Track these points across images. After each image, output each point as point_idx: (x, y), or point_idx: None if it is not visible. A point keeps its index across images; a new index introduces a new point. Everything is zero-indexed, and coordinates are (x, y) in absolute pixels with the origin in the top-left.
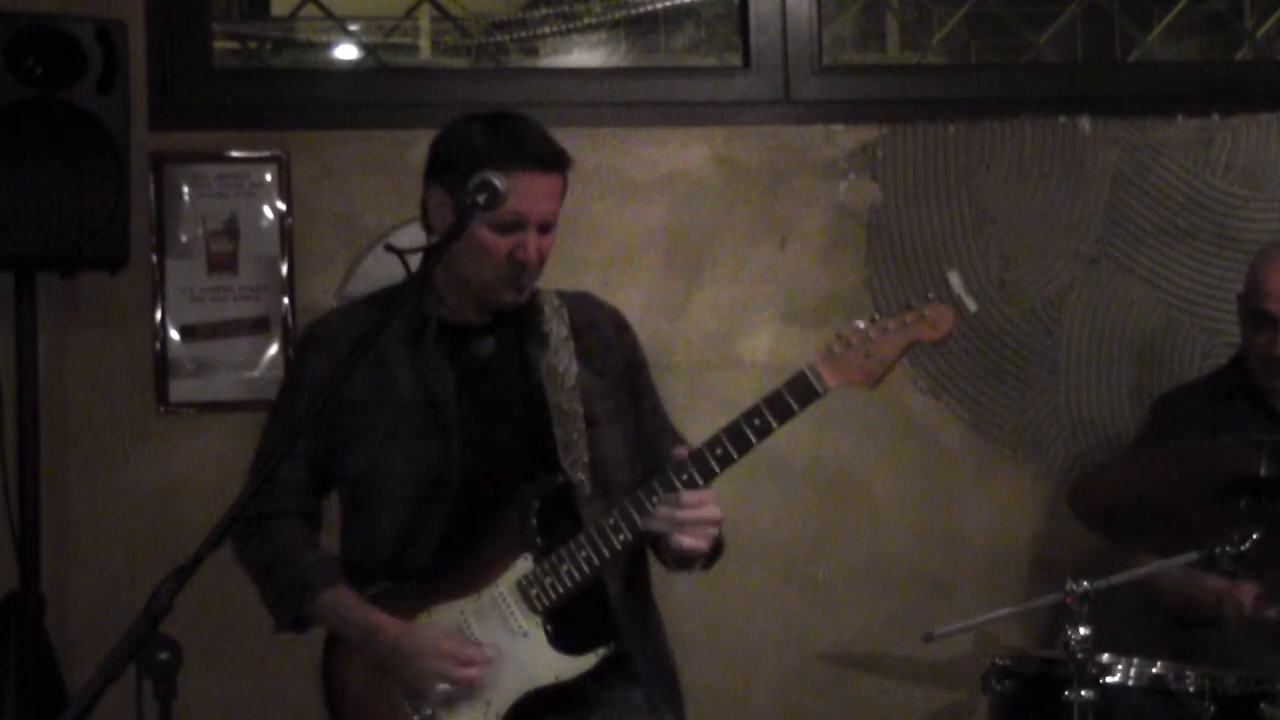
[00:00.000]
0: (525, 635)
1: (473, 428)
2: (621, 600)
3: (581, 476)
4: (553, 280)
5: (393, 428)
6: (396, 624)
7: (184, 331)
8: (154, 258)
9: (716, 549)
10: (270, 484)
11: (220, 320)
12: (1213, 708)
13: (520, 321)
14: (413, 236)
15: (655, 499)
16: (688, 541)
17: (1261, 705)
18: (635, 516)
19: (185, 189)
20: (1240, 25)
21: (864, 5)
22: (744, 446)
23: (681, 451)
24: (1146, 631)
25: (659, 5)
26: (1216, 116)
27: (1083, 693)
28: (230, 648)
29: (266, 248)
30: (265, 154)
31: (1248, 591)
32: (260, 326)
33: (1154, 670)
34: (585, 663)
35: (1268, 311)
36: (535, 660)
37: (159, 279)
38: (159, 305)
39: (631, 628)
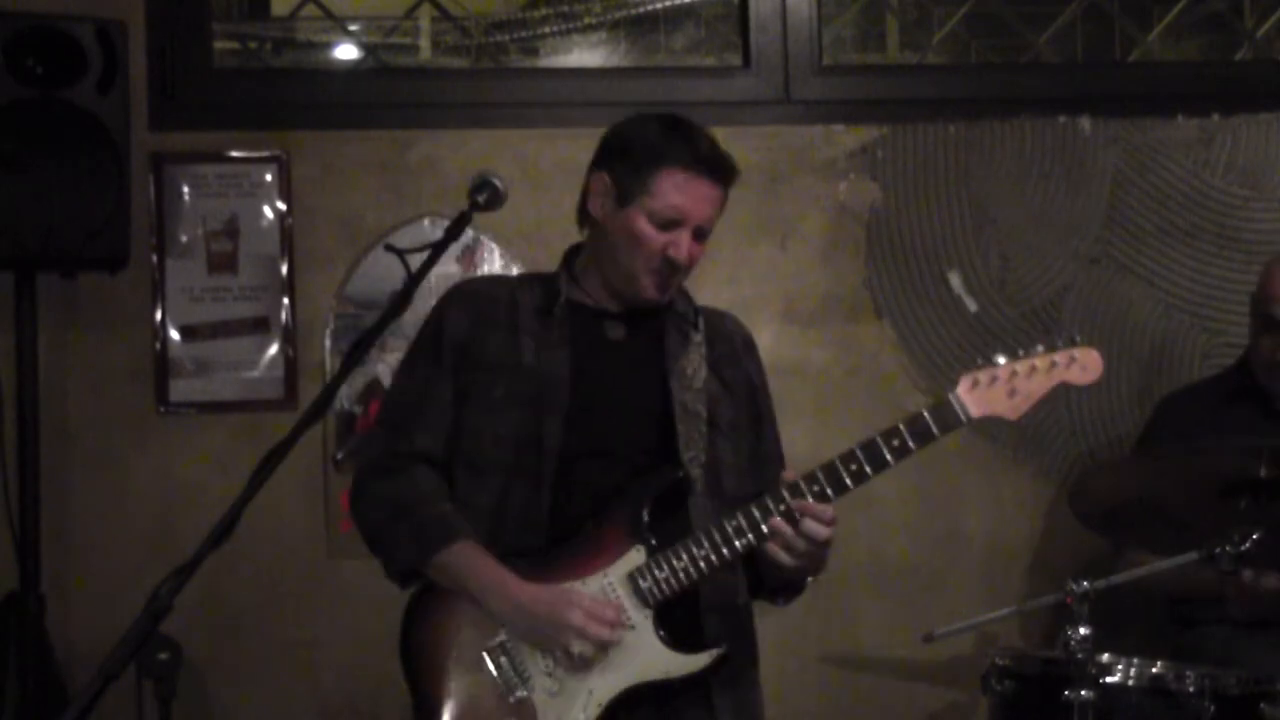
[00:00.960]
0: (634, 628)
1: (584, 406)
2: (717, 600)
3: (698, 472)
4: None
5: (506, 392)
6: (531, 584)
7: (184, 331)
8: (154, 258)
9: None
10: (414, 427)
11: (220, 320)
12: (1213, 708)
13: (657, 315)
14: (413, 236)
15: (782, 506)
16: (792, 562)
17: (1261, 705)
18: (760, 520)
19: (185, 189)
20: (1240, 25)
21: (864, 5)
22: (879, 466)
23: (790, 474)
24: (1146, 631)
25: (659, 5)
26: (1216, 116)
27: (1083, 693)
28: (230, 648)
29: (266, 248)
30: (265, 154)
31: (1247, 574)
32: (260, 326)
33: (1154, 670)
34: (697, 662)
35: (1274, 317)
36: (643, 654)
37: (159, 279)
38: (159, 305)
39: (726, 629)
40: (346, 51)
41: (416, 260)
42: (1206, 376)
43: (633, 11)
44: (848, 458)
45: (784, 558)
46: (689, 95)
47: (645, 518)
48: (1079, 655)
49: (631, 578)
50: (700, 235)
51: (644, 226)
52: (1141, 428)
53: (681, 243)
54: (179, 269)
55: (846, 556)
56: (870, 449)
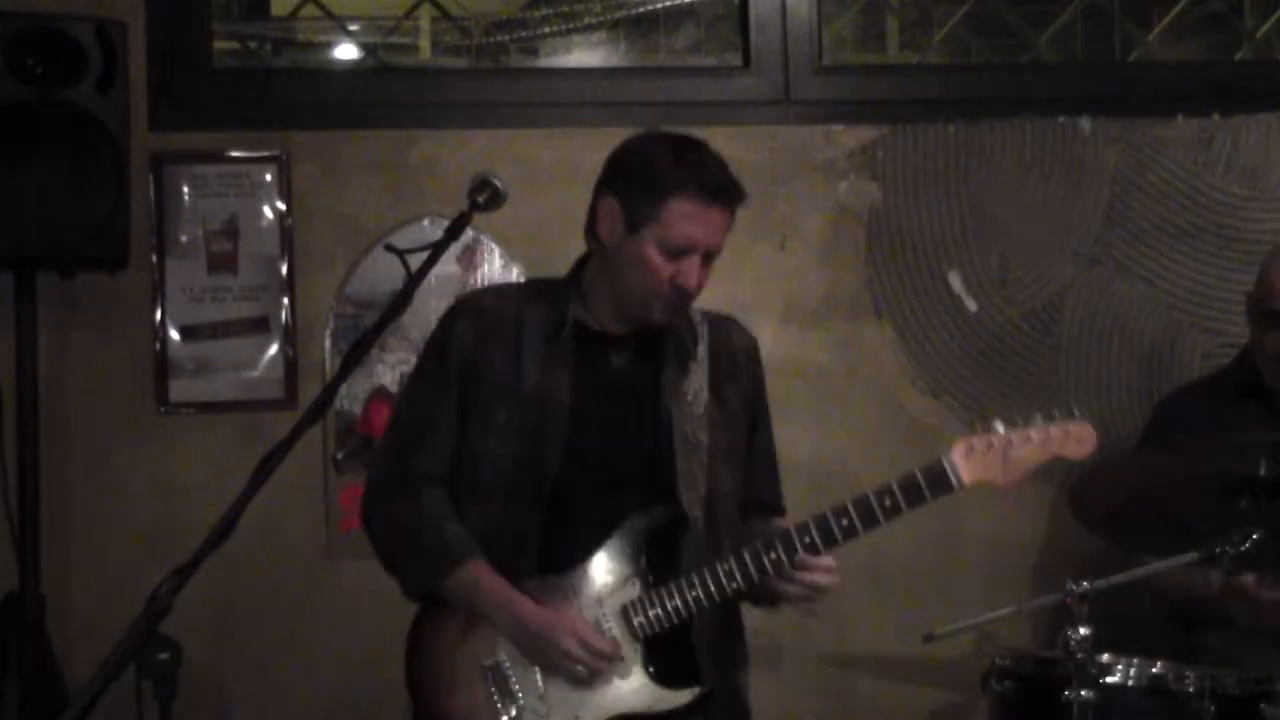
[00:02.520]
0: (622, 659)
1: (582, 434)
2: (707, 638)
3: (697, 513)
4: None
5: (506, 416)
6: (535, 604)
7: (184, 331)
8: (154, 258)
9: None
10: (420, 447)
11: (220, 320)
12: (1213, 708)
13: (662, 339)
14: (413, 236)
15: (773, 555)
16: (804, 608)
17: (1261, 705)
18: (752, 569)
19: (185, 189)
20: (1240, 25)
21: (864, 5)
22: (870, 523)
23: (782, 523)
24: (1146, 631)
25: (659, 5)
26: (1216, 116)
27: (1083, 693)
28: (230, 648)
29: (266, 248)
30: (265, 154)
31: (1249, 581)
32: (260, 326)
33: (1154, 670)
34: (680, 698)
35: (1276, 311)
36: (629, 686)
37: (159, 279)
38: (159, 305)
39: (714, 667)
40: (346, 51)
41: (416, 260)
42: (1203, 376)
43: (633, 11)
44: (840, 512)
45: (804, 608)
46: (689, 95)
47: (643, 552)
48: (1079, 655)
49: (625, 611)
50: (708, 259)
51: (653, 254)
52: (1142, 429)
53: (691, 270)
54: (179, 269)
55: (846, 556)
56: (862, 505)
